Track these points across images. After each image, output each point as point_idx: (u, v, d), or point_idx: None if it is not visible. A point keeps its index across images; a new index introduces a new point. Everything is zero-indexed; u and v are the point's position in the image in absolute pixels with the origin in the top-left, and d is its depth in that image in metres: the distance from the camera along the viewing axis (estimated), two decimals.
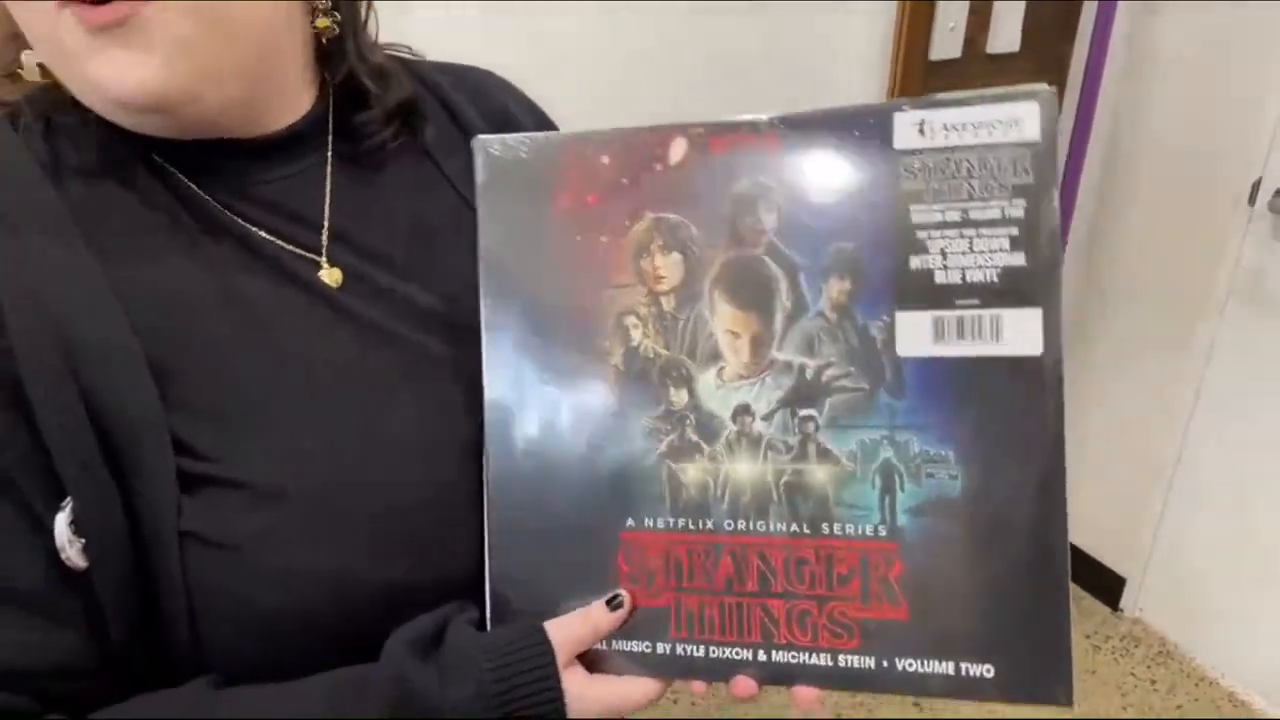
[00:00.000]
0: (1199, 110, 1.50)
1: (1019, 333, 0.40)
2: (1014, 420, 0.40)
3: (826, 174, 0.42)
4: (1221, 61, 1.45)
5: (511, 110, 0.60)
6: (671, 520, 0.44)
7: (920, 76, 1.41)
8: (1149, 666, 1.80)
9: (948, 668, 0.41)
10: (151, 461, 0.42)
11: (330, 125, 0.51)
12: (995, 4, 1.45)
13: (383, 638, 0.43)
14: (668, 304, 0.44)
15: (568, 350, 0.45)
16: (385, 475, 0.45)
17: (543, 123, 0.62)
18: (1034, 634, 0.41)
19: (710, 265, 0.43)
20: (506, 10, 1.14)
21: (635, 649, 0.45)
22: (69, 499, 0.41)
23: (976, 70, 1.47)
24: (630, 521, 0.45)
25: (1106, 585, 1.94)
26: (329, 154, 0.51)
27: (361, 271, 0.49)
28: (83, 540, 0.41)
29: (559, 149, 0.45)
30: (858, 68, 1.41)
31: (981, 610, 0.41)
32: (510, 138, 0.46)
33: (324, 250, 0.49)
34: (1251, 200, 1.44)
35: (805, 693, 0.43)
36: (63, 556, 0.41)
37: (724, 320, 0.43)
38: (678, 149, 0.44)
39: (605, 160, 0.45)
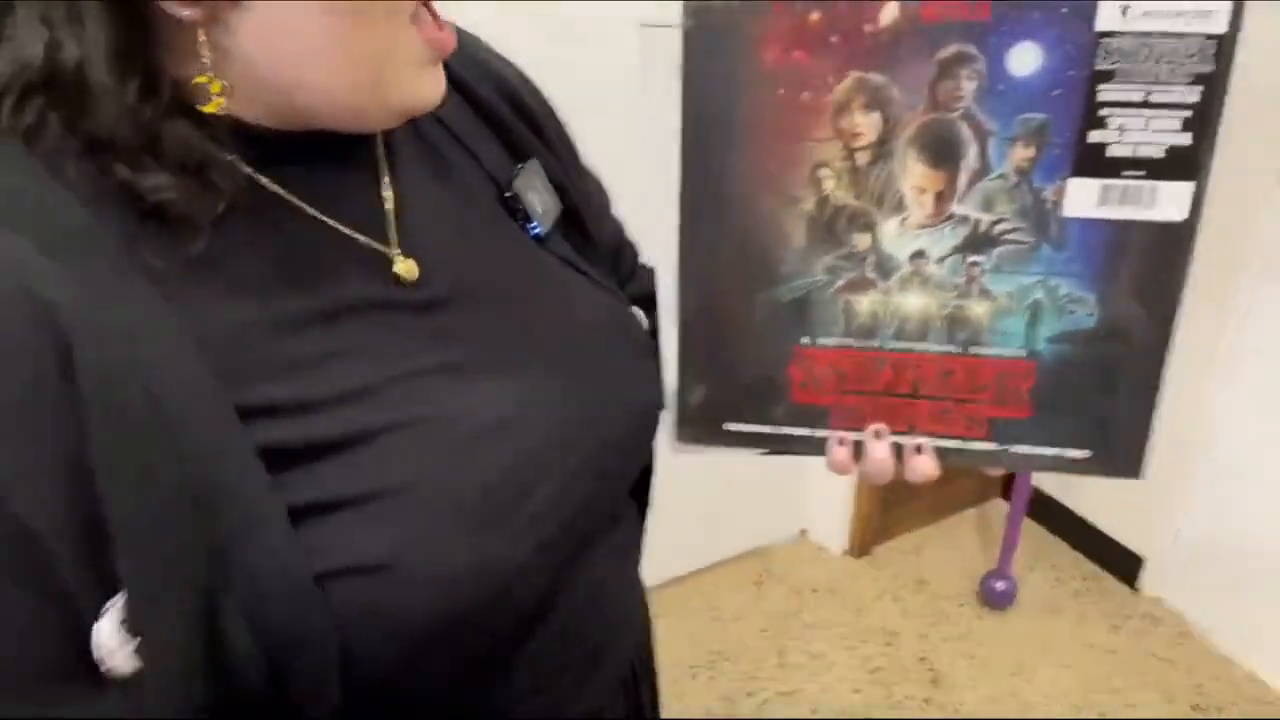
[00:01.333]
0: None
1: (1171, 200, 0.47)
2: (1150, 272, 0.49)
3: (1029, 48, 0.45)
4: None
5: (493, 64, 0.59)
6: (842, 340, 0.53)
7: None
8: (1169, 646, 1.88)
9: (1053, 452, 0.54)
10: (259, 513, 0.39)
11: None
12: None
13: (525, 630, 0.50)
14: (861, 159, 0.49)
15: (761, 193, 0.50)
16: (498, 460, 0.47)
17: (526, 81, 0.61)
18: (1126, 431, 0.53)
19: (907, 126, 0.48)
20: None
21: (799, 433, 0.56)
22: (118, 596, 0.36)
23: None
24: (805, 339, 0.53)
25: (1125, 565, 2.04)
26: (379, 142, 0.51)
27: (433, 263, 0.50)
28: (138, 639, 0.36)
29: (767, 11, 0.46)
30: None
31: (1089, 415, 0.53)
32: (714, 4, 0.46)
33: (394, 243, 0.49)
34: None
35: (925, 462, 0.55)
36: (102, 666, 0.36)
37: (913, 177, 0.49)
38: (889, 12, 0.46)
39: (815, 17, 0.46)
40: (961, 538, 2.28)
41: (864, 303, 0.52)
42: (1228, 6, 0.44)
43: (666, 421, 0.57)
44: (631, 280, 0.71)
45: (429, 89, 0.47)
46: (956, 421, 0.54)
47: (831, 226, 0.50)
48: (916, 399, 0.54)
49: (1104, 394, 0.52)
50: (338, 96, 0.43)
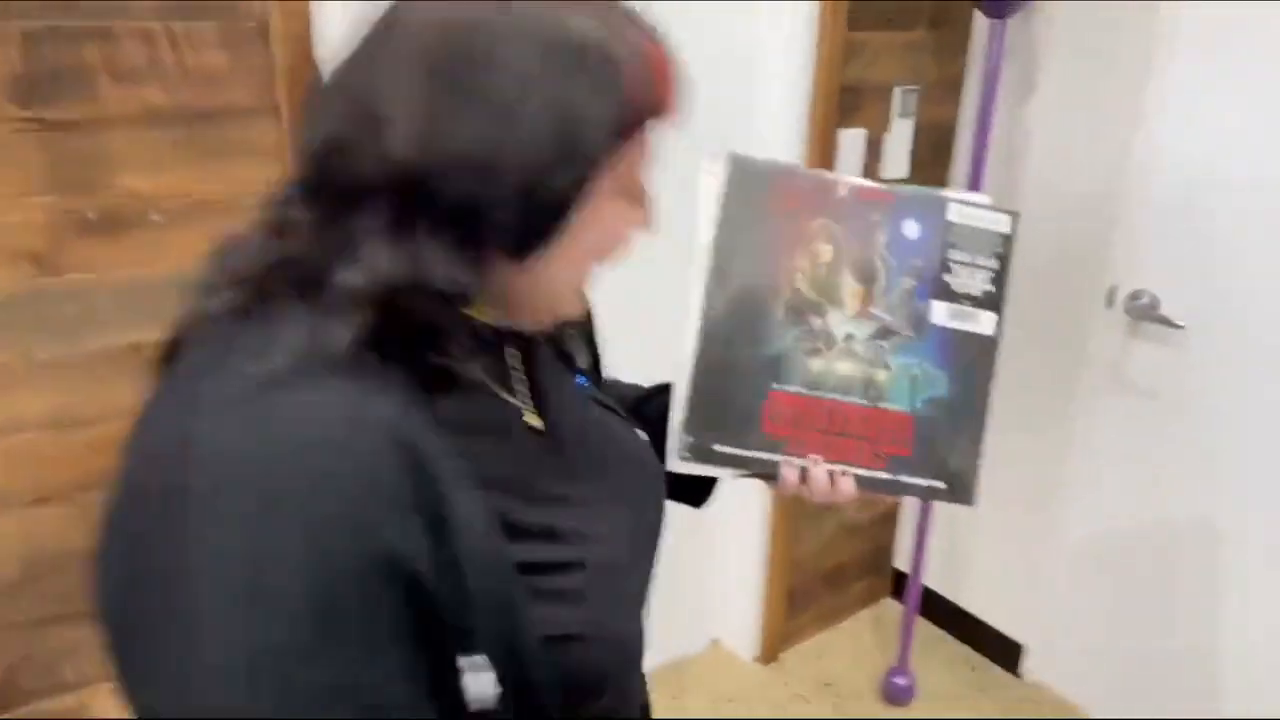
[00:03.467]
0: (1059, 218, 2.00)
1: (985, 322, 0.82)
2: (975, 363, 0.82)
3: (914, 222, 0.81)
4: (1077, 172, 1.98)
5: None
6: (800, 389, 0.80)
7: None
8: None
9: (924, 482, 0.82)
10: (512, 600, 0.55)
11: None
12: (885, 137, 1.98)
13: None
14: (820, 272, 0.80)
15: (760, 290, 0.79)
16: (627, 558, 0.69)
17: None
18: (965, 468, 0.82)
19: (848, 256, 0.80)
20: None
21: (764, 457, 0.80)
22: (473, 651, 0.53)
23: None
24: (775, 385, 0.80)
25: (1007, 653, 2.33)
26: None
27: (549, 405, 0.68)
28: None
29: (780, 170, 0.80)
30: None
31: (943, 457, 0.82)
32: (748, 159, 0.79)
33: (529, 401, 0.67)
34: (1109, 303, 1.94)
35: (848, 484, 0.81)
36: (472, 706, 0.54)
37: (849, 286, 0.81)
38: (843, 189, 0.80)
39: (801, 183, 0.80)
40: (859, 637, 2.50)
41: (815, 364, 0.80)
42: (1008, 220, 0.82)
43: (671, 445, 0.79)
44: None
45: (580, 305, 0.67)
46: (868, 455, 0.81)
47: (800, 310, 0.80)
48: (845, 437, 0.81)
49: (951, 442, 0.82)
50: (550, 311, 0.64)
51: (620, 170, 0.58)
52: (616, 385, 0.93)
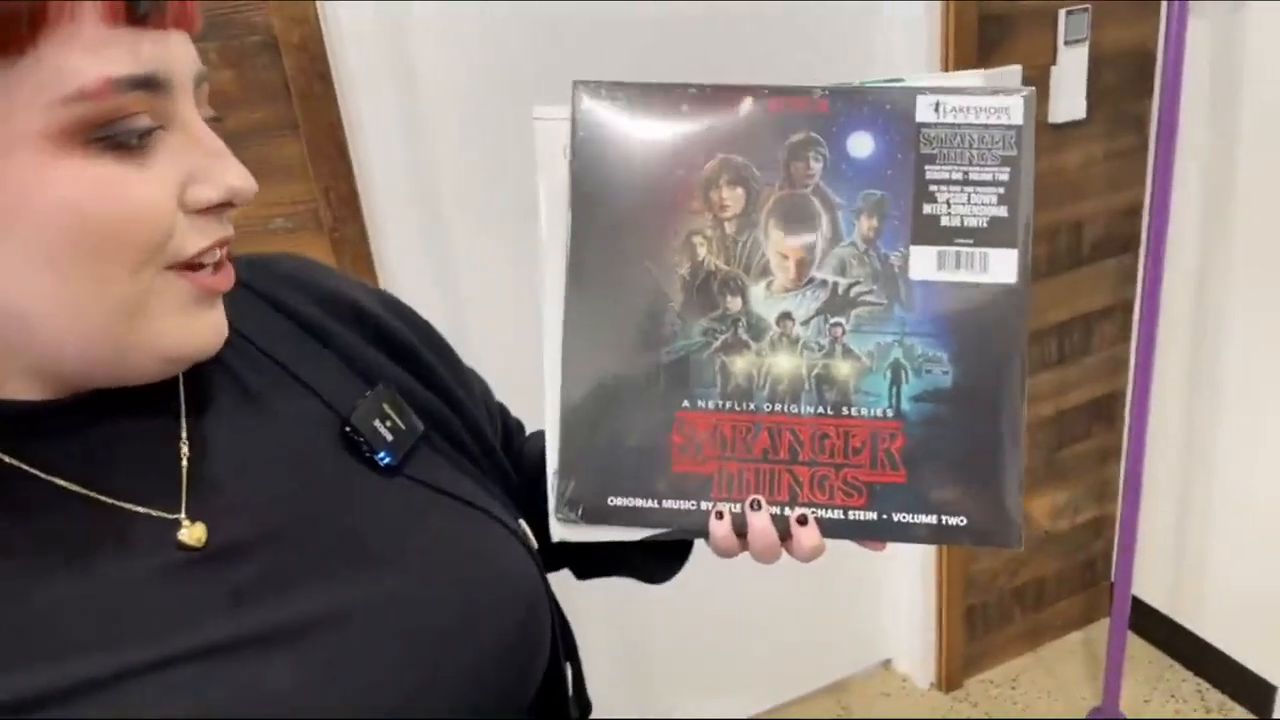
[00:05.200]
0: None
1: (1000, 266, 0.54)
2: (993, 332, 0.54)
3: (864, 135, 0.54)
4: None
5: (343, 290, 0.59)
6: (720, 402, 0.55)
7: None
8: None
9: (931, 519, 0.54)
10: None
11: None
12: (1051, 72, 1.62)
13: None
14: (729, 228, 0.55)
15: (643, 261, 0.55)
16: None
17: (385, 300, 0.62)
18: (995, 493, 0.54)
19: (766, 199, 0.55)
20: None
21: (681, 506, 0.55)
22: None
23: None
24: (686, 403, 0.55)
25: (1256, 693, 1.88)
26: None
27: (234, 516, 0.47)
28: None
29: (648, 94, 0.55)
30: None
31: (959, 476, 0.54)
32: (603, 82, 0.56)
33: (184, 506, 0.47)
34: None
35: (810, 535, 0.54)
36: None
37: (775, 244, 0.55)
38: (745, 105, 0.55)
39: (685, 109, 0.55)
40: (1063, 667, 2.07)
41: (739, 364, 0.55)
42: (1020, 103, 0.53)
43: (550, 504, 0.57)
44: (523, 452, 0.71)
45: (201, 335, 0.45)
46: (835, 488, 0.54)
47: (706, 289, 0.55)
48: (795, 465, 0.55)
49: (968, 455, 0.54)
50: (84, 354, 0.42)
51: (44, 100, 0.37)
52: (538, 441, 0.70)
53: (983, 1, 1.54)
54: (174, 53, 0.42)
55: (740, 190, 0.55)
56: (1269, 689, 1.84)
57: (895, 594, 2.02)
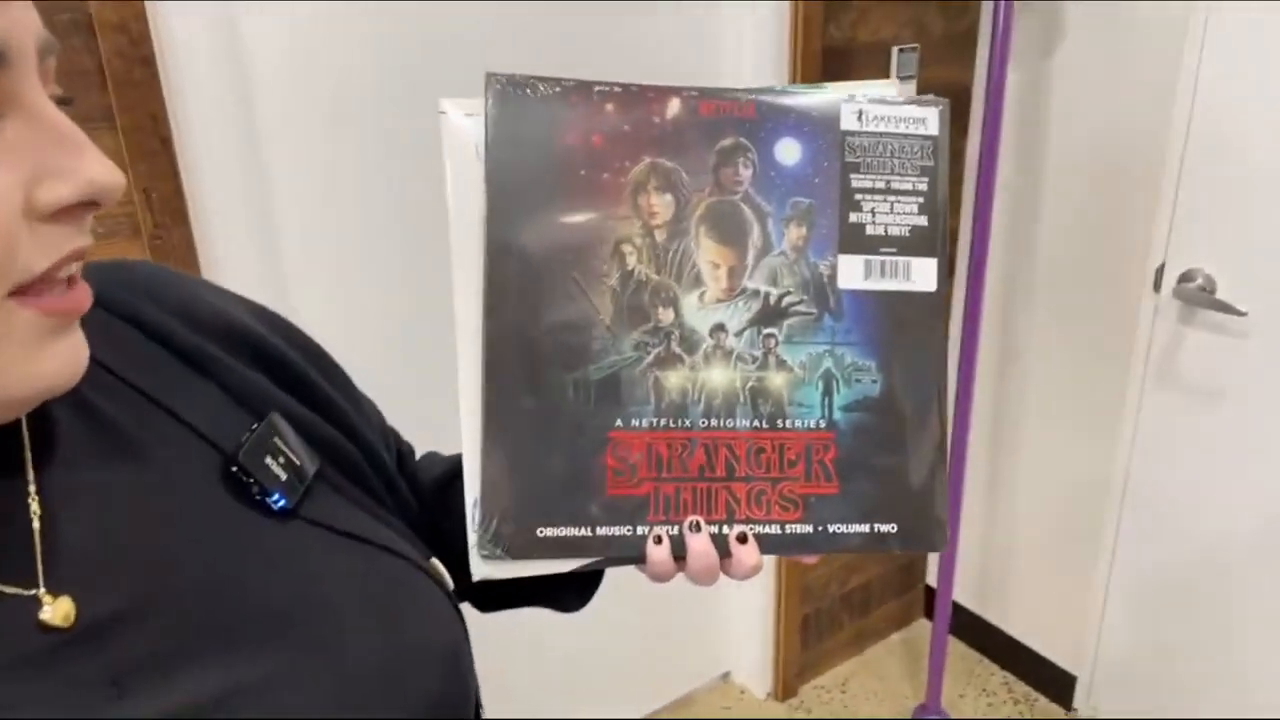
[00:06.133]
0: (1098, 195, 1.70)
1: (922, 274, 0.54)
2: (916, 339, 0.54)
3: (791, 142, 0.53)
4: (1112, 134, 1.66)
5: (218, 305, 0.52)
6: (655, 420, 0.52)
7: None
8: None
9: (865, 528, 0.54)
10: None
11: None
12: None
13: None
14: (659, 236, 0.52)
15: (570, 272, 0.51)
16: None
17: (266, 317, 0.55)
18: (924, 498, 0.55)
19: (697, 206, 0.52)
20: None
21: (616, 533, 0.52)
22: None
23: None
24: (619, 422, 0.52)
25: (1058, 684, 2.01)
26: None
27: (102, 583, 0.39)
28: None
29: (569, 91, 0.51)
30: None
31: (889, 483, 0.54)
32: (519, 76, 0.51)
33: (41, 578, 0.38)
34: (1156, 286, 1.63)
35: (749, 554, 0.53)
36: None
37: (707, 253, 0.52)
38: (673, 107, 0.52)
39: (609, 108, 0.51)
40: (887, 668, 2.19)
41: (673, 379, 0.52)
42: (936, 114, 0.54)
43: (471, 540, 0.51)
44: (417, 479, 0.64)
45: (56, 364, 0.37)
46: (773, 503, 0.53)
47: (637, 301, 0.52)
48: (732, 481, 0.53)
49: (896, 462, 0.54)
50: None
51: None
52: (433, 467, 0.64)
53: (826, 34, 1.62)
54: (12, 15, 0.33)
55: (669, 196, 0.52)
56: (1069, 679, 2.01)
57: (734, 606, 2.06)
